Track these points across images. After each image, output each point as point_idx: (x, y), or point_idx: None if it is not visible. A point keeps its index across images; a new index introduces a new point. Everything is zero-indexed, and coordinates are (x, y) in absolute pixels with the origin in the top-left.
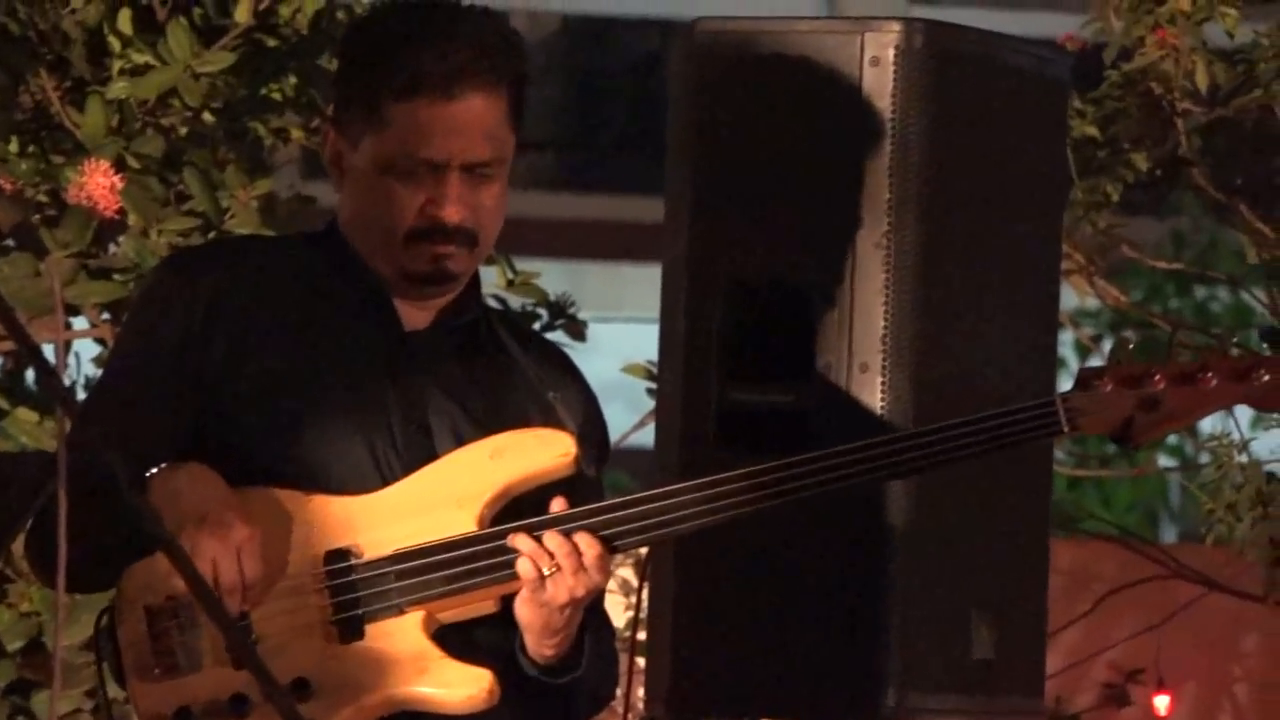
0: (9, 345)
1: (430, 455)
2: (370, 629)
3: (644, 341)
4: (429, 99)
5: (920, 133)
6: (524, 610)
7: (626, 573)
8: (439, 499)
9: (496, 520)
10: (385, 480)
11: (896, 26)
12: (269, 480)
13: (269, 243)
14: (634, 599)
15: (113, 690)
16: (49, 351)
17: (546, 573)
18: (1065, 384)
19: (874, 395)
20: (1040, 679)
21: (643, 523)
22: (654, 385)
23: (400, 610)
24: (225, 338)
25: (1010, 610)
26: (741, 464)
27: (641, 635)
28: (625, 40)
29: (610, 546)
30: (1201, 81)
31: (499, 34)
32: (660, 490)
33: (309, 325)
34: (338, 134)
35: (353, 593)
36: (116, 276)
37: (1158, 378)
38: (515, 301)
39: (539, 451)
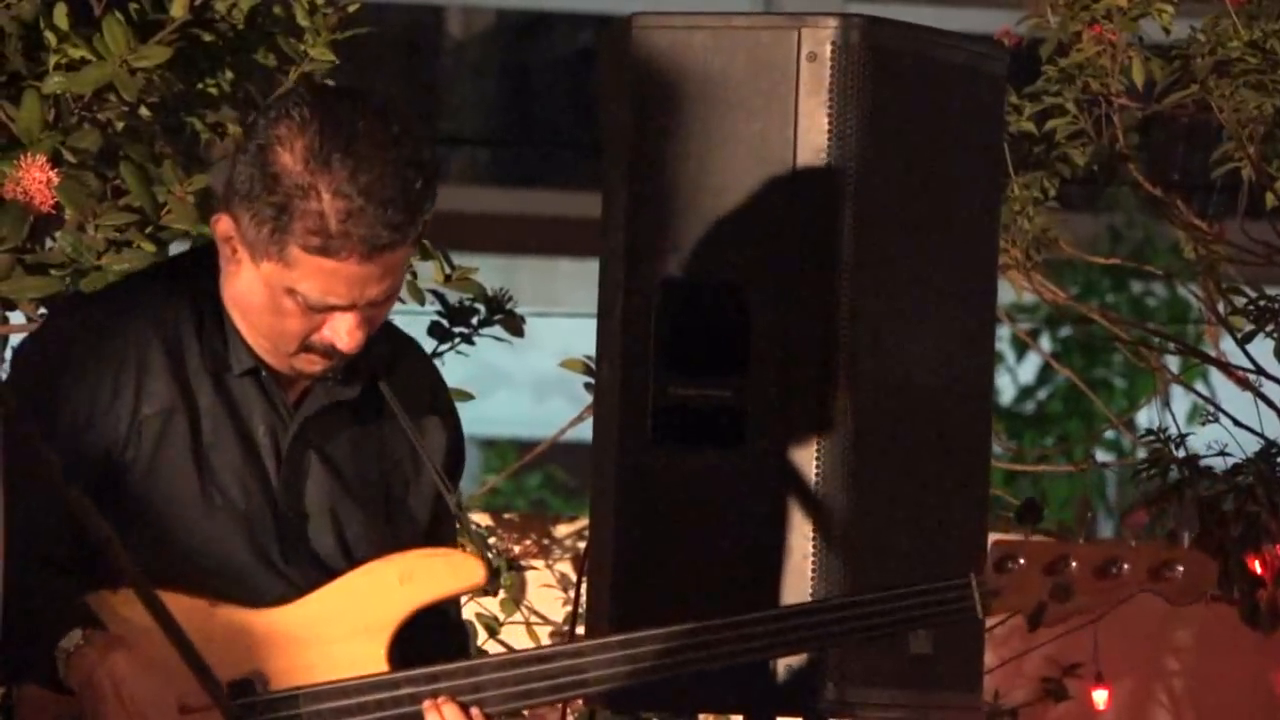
0: None
1: (305, 545)
2: None
3: (581, 336)
4: (344, 262)
5: (857, 128)
6: None
7: (565, 567)
8: (346, 627)
9: (399, 640)
10: (272, 579)
11: (833, 22)
12: (157, 569)
13: (167, 300)
14: (572, 594)
15: None
16: None
17: None
18: (1002, 378)
19: (811, 391)
20: (978, 674)
21: (554, 681)
22: (592, 380)
23: None
24: (132, 423)
25: None
26: (679, 459)
27: (580, 630)
28: (561, 35)
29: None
30: (1138, 77)
31: (422, 170)
32: (572, 647)
33: (203, 401)
34: (234, 225)
35: None
36: (53, 271)
37: (1074, 565)
38: (453, 296)
39: (449, 578)
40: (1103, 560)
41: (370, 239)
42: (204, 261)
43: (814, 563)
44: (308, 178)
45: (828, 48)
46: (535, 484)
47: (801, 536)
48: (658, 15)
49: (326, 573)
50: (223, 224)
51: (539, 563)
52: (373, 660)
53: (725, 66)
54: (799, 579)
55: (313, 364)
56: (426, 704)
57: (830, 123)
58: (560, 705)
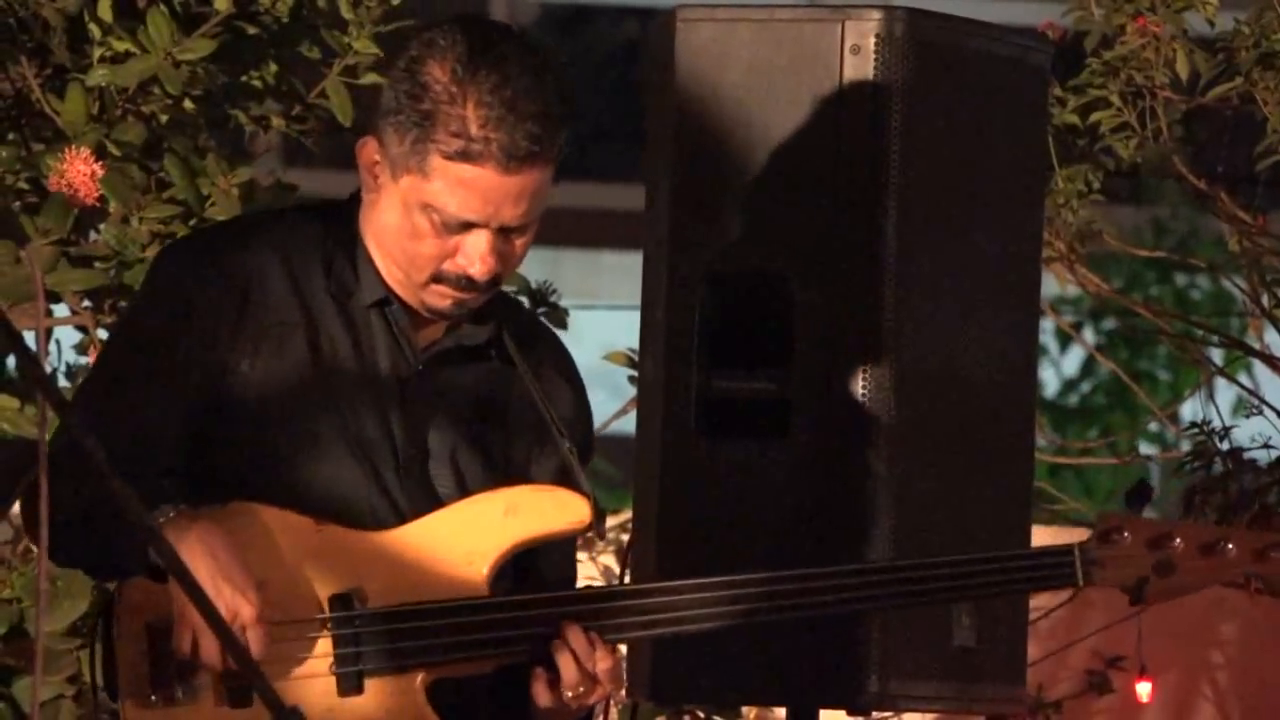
0: None
1: (425, 481)
2: (370, 684)
3: (623, 329)
4: (482, 169)
5: (901, 120)
6: (543, 698)
7: (609, 560)
8: (449, 551)
9: (503, 573)
10: (384, 506)
11: (877, 14)
12: (267, 492)
13: (293, 226)
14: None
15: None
16: (30, 339)
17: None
18: (1046, 371)
19: (856, 384)
20: (1021, 666)
21: (649, 616)
22: (635, 373)
23: (402, 669)
24: (250, 332)
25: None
26: (723, 451)
27: None
28: (604, 28)
29: (616, 640)
30: (1182, 70)
31: (563, 99)
32: (673, 584)
33: (327, 327)
34: (379, 147)
35: (356, 645)
36: (97, 264)
37: (1178, 542)
38: None
39: (554, 515)
40: (1208, 539)
41: (509, 148)
42: (339, 206)
43: (861, 554)
44: (455, 87)
45: (871, 40)
46: None
47: (845, 528)
48: (702, 8)
49: (438, 507)
50: (367, 148)
51: (583, 555)
52: (473, 587)
53: (769, 59)
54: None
55: (444, 298)
56: (567, 622)
57: (874, 115)
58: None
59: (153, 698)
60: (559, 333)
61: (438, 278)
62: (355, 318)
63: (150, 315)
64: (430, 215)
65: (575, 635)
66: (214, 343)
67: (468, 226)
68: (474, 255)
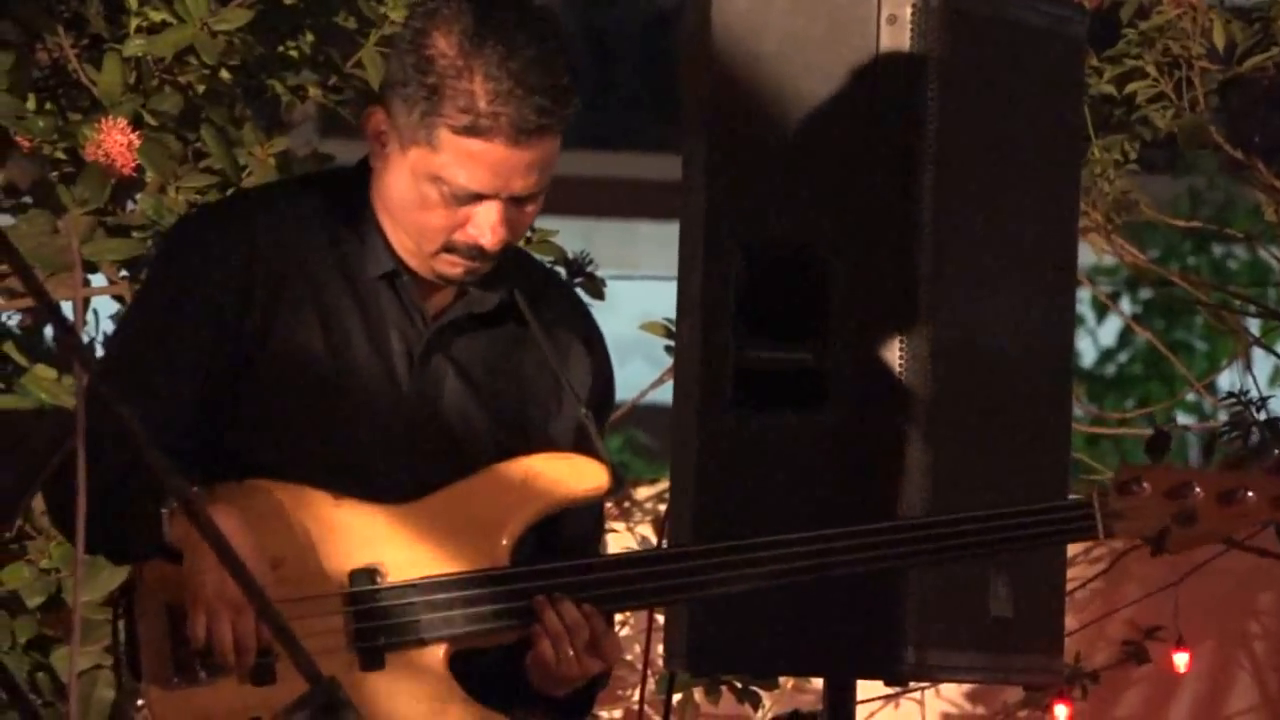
0: (27, 302)
1: (442, 452)
2: (391, 658)
3: (661, 299)
4: (491, 143)
5: (937, 91)
6: (536, 667)
7: (646, 530)
8: (469, 523)
9: (523, 541)
10: (402, 479)
11: None
12: (283, 468)
13: (298, 200)
14: None
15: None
16: (67, 309)
17: (562, 657)
18: (1082, 341)
19: (892, 354)
20: (1059, 637)
21: (661, 583)
22: (672, 343)
23: (423, 642)
24: (261, 305)
25: (1028, 568)
26: (759, 422)
27: None
28: None
29: (620, 607)
30: (1218, 40)
31: (570, 67)
32: (684, 550)
33: (335, 301)
34: (386, 117)
35: (375, 619)
36: (134, 234)
37: (1198, 491)
38: None
39: (572, 481)
40: (1227, 487)
41: (518, 121)
42: (346, 175)
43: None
44: (461, 60)
45: (908, 10)
46: (616, 446)
47: (881, 499)
48: None
49: (454, 477)
50: (375, 118)
51: (619, 525)
52: (494, 557)
53: (805, 29)
54: None
55: (454, 266)
56: (538, 599)
57: (910, 85)
58: (642, 669)
59: (175, 679)
60: (595, 303)
61: (449, 247)
62: (363, 291)
63: (162, 295)
64: (440, 186)
65: (568, 610)
66: (227, 321)
67: (477, 198)
68: (485, 226)
